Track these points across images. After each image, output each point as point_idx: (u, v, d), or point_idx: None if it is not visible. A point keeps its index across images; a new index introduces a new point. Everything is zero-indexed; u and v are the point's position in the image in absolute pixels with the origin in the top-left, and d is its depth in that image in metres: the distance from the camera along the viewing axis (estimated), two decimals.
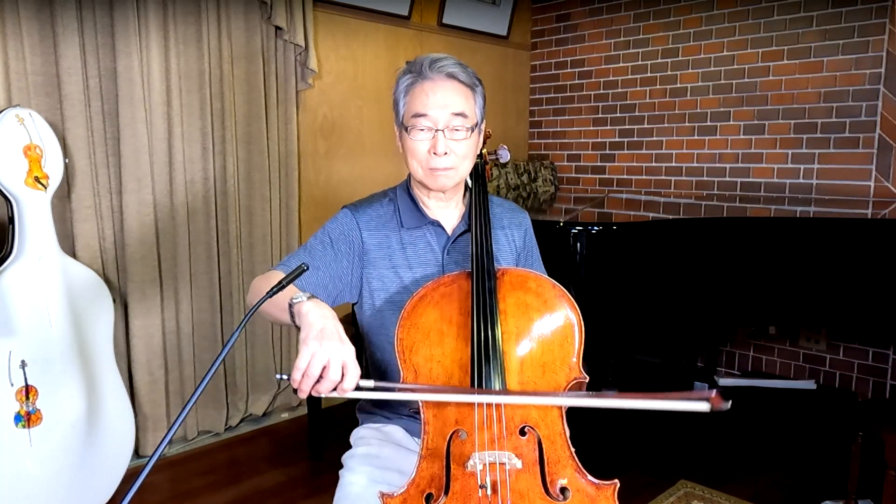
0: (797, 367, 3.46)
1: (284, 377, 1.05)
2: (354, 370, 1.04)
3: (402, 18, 3.56)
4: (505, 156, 1.58)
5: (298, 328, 1.09)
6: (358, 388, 1.06)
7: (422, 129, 1.31)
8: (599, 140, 4.07)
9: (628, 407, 1.07)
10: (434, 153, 1.31)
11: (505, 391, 1.16)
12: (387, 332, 1.34)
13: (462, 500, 1.06)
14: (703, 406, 0.99)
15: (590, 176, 4.15)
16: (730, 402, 0.98)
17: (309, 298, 1.11)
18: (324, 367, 1.01)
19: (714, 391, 0.99)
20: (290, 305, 1.11)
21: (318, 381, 1.02)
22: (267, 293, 1.07)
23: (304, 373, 1.01)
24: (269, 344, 3.17)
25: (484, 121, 1.40)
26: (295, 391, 1.03)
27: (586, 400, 1.14)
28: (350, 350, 1.05)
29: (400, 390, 1.17)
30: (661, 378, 3.60)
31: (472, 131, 1.34)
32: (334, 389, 1.04)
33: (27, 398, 2.14)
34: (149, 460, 0.87)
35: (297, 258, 1.32)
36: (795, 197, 3.31)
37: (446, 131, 1.31)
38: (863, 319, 2.50)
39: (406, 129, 1.33)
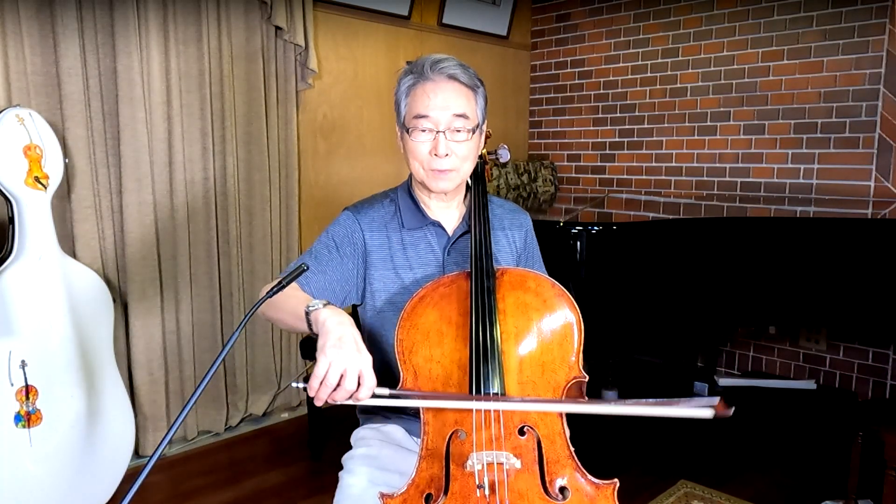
0: (797, 367, 3.45)
1: (301, 385, 1.05)
2: (371, 380, 1.05)
3: (402, 18, 3.56)
4: (505, 155, 1.58)
5: (315, 336, 1.10)
6: (374, 396, 1.06)
7: (423, 131, 1.31)
8: (599, 140, 4.07)
9: (630, 414, 1.07)
10: (435, 154, 1.31)
11: (522, 399, 1.16)
12: (387, 333, 1.34)
13: (461, 500, 1.06)
14: (706, 413, 0.98)
15: (590, 176, 4.15)
16: (733, 408, 0.97)
17: (325, 306, 1.11)
18: (341, 376, 1.02)
19: (718, 398, 0.98)
20: (307, 314, 1.11)
21: (334, 389, 1.03)
22: (267, 293, 1.07)
23: (321, 381, 1.02)
24: (269, 344, 3.17)
25: (485, 122, 1.40)
26: (311, 399, 1.04)
27: (587, 406, 1.13)
28: (367, 359, 1.05)
29: (414, 398, 1.17)
30: (661, 378, 3.60)
31: (474, 132, 1.34)
32: (350, 398, 1.04)
33: (27, 398, 2.14)
34: (149, 460, 0.87)
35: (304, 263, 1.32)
36: (795, 197, 3.30)
37: (447, 133, 1.31)
38: (863, 319, 2.49)
39: (407, 131, 1.33)
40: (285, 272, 1.12)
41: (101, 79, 2.57)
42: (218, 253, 2.95)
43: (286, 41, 3.03)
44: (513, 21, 4.13)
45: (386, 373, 1.38)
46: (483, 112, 1.37)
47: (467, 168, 1.37)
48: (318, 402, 1.04)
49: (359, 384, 1.04)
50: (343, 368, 1.02)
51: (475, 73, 1.35)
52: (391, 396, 1.11)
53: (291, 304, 1.19)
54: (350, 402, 1.05)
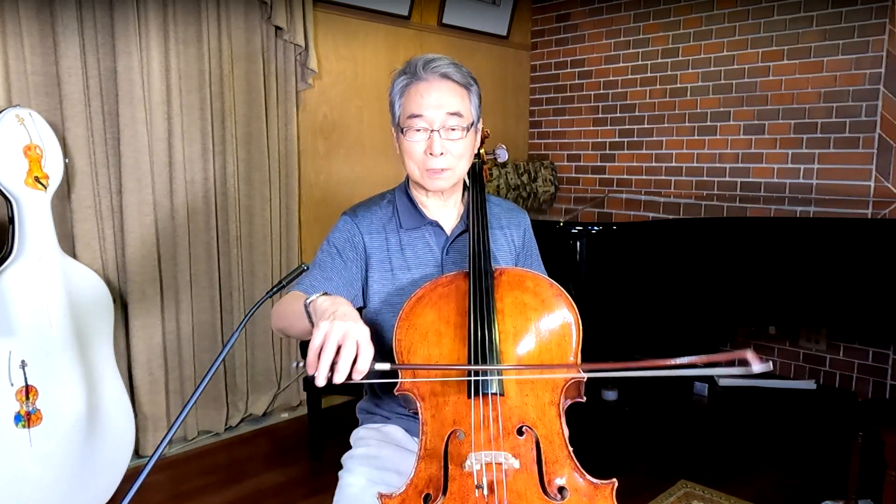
0: (797, 367, 3.45)
1: (301, 363, 1.01)
2: (368, 349, 1.00)
3: (402, 18, 3.56)
4: (503, 155, 1.59)
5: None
6: (373, 371, 1.01)
7: (417, 130, 1.31)
8: (599, 140, 4.07)
9: (656, 374, 1.04)
10: (430, 154, 1.31)
11: (523, 366, 1.18)
12: (386, 334, 1.34)
13: (460, 500, 1.06)
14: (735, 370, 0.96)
15: (590, 176, 4.14)
16: (770, 363, 0.95)
17: (321, 295, 1.11)
18: (338, 346, 0.98)
19: (749, 351, 0.95)
20: (307, 307, 1.11)
21: (333, 363, 0.98)
22: (266, 293, 1.08)
23: (319, 352, 0.97)
24: (269, 344, 3.18)
25: (480, 120, 1.40)
26: (312, 379, 0.99)
27: (596, 372, 1.12)
28: (364, 329, 1.01)
29: (411, 370, 1.16)
30: (661, 379, 3.60)
31: (468, 131, 1.34)
32: (350, 377, 0.99)
33: (27, 398, 2.14)
34: (149, 460, 0.87)
35: (310, 275, 1.31)
36: (795, 197, 3.30)
37: (442, 131, 1.31)
38: (863, 319, 2.49)
39: (402, 131, 1.33)
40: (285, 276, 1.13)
41: (101, 79, 2.57)
42: (218, 253, 2.96)
43: (286, 41, 3.04)
44: (513, 21, 4.13)
45: (385, 373, 1.38)
46: (477, 110, 1.37)
47: (463, 166, 1.37)
48: (320, 380, 0.98)
49: (357, 357, 1.00)
50: (342, 334, 0.98)
51: (469, 71, 1.35)
52: (392, 371, 1.07)
53: (294, 307, 1.19)
54: (351, 380, 0.99)
